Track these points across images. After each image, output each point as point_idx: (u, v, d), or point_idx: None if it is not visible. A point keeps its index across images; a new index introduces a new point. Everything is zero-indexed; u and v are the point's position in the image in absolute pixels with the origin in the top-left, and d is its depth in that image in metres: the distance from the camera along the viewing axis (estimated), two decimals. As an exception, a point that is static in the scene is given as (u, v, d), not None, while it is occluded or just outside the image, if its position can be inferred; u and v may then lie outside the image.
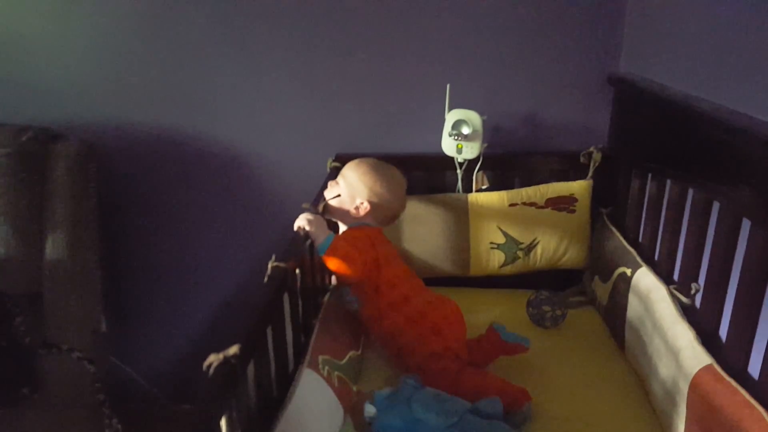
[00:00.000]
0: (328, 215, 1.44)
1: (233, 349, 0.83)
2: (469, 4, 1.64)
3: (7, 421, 1.28)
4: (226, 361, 0.82)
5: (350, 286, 1.37)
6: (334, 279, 1.46)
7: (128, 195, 1.84)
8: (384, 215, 1.44)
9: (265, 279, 1.08)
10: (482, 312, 1.63)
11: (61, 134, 1.60)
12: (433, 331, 1.32)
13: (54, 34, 1.69)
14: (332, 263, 1.29)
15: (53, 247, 1.46)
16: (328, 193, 1.45)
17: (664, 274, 1.34)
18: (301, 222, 1.30)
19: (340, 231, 1.47)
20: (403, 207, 1.49)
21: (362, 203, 1.40)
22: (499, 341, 1.35)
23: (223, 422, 0.80)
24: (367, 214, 1.41)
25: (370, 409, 1.14)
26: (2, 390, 1.30)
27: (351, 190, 1.41)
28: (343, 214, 1.43)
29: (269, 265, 1.10)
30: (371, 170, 1.42)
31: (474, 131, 1.61)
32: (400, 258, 1.47)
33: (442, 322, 1.34)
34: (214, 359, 0.81)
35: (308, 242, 1.30)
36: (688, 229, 1.27)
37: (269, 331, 1.02)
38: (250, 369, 0.92)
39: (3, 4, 1.66)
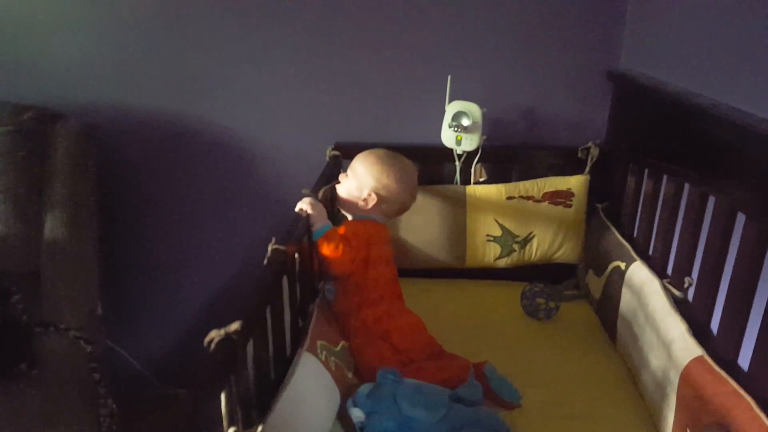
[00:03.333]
0: (337, 206, 1.44)
1: (234, 326, 0.84)
2: (472, -3, 1.65)
3: (6, 395, 1.29)
4: (227, 337, 0.83)
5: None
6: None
7: (126, 178, 1.85)
8: (392, 207, 1.43)
9: (265, 261, 1.09)
10: (477, 303, 1.65)
11: (61, 114, 1.60)
12: (382, 338, 1.29)
13: (56, 15, 1.69)
14: (323, 249, 1.29)
15: (52, 226, 1.46)
16: (340, 187, 1.43)
17: (658, 268, 1.36)
18: (304, 205, 1.30)
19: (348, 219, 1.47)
20: (413, 198, 1.46)
21: (370, 195, 1.39)
22: (486, 387, 1.22)
23: (222, 398, 0.81)
24: (375, 206, 1.39)
25: (358, 414, 1.11)
26: (0, 365, 1.30)
27: (359, 181, 1.40)
28: (352, 206, 1.42)
29: (269, 248, 1.11)
30: (379, 161, 1.40)
31: (474, 123, 1.62)
32: (393, 262, 1.45)
33: (395, 333, 1.30)
34: (215, 335, 0.82)
35: (308, 227, 1.31)
36: (683, 223, 1.29)
37: (268, 312, 1.03)
38: (250, 348, 0.93)
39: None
